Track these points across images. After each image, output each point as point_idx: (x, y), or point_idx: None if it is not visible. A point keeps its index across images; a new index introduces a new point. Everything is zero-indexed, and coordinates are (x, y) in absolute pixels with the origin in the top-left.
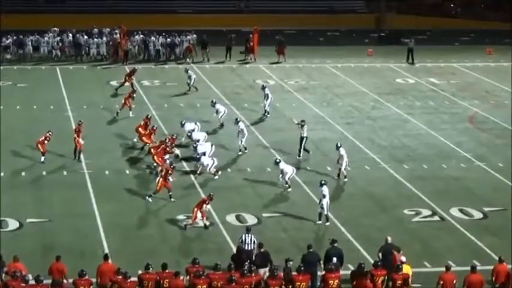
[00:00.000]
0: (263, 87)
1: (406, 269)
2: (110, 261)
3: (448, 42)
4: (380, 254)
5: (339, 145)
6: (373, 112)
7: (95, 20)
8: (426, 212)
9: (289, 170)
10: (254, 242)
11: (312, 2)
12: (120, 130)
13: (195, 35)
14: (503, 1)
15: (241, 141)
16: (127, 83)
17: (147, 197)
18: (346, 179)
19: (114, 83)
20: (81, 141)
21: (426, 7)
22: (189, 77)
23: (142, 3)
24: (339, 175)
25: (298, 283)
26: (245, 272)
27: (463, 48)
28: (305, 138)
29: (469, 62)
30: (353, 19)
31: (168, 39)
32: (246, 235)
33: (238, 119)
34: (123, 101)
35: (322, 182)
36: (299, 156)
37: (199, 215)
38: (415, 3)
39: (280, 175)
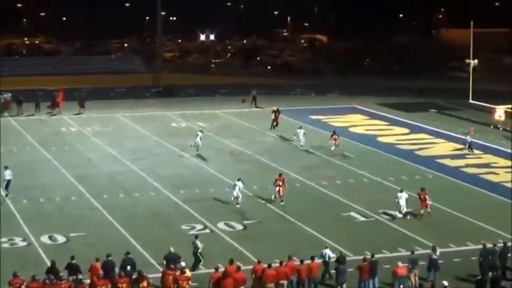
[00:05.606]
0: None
1: (187, 273)
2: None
3: (210, 94)
4: (165, 262)
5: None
6: (154, 150)
7: None
8: (199, 226)
9: (403, 200)
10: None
11: (102, 65)
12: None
13: (10, 94)
14: (250, 61)
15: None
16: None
17: None
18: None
19: None
20: None
21: (193, 67)
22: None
23: None
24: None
25: (99, 287)
26: (54, 280)
27: (222, 99)
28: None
29: (227, 108)
30: (135, 78)
31: None
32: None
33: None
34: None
35: None
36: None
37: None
38: (183, 63)
39: (400, 204)
